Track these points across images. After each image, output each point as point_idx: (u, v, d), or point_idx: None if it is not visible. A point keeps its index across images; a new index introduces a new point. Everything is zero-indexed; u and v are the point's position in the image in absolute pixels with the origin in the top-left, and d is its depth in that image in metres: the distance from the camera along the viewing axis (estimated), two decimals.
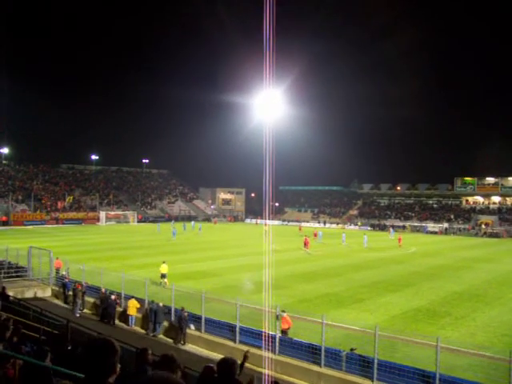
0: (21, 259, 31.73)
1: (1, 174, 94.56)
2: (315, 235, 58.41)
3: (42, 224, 79.78)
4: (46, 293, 28.37)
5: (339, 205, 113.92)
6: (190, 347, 19.72)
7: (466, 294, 28.35)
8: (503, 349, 17.14)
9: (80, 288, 24.72)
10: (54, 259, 29.76)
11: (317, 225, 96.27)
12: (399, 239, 56.99)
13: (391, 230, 75.31)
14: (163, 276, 29.02)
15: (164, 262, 29.74)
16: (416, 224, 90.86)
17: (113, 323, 22.65)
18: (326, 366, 15.93)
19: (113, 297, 23.07)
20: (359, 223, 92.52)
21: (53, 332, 14.33)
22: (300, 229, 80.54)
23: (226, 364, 5.15)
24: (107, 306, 22.98)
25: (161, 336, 21.14)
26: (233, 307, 19.35)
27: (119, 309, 23.35)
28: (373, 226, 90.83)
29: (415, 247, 55.20)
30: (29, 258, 30.39)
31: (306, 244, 49.34)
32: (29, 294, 27.29)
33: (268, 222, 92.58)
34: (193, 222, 79.74)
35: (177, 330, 20.36)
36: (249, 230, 79.68)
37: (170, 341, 20.49)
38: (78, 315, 23.65)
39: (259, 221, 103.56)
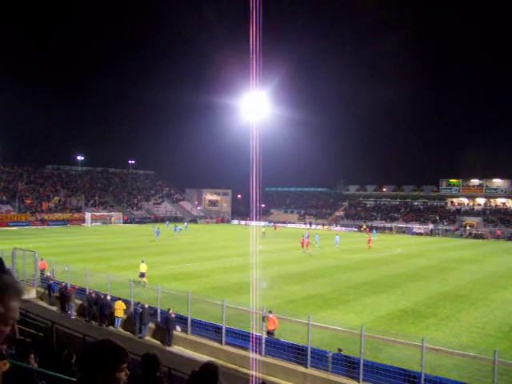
0: (5, 260, 31.09)
1: None
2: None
3: (27, 225, 78.90)
4: (30, 294, 28.08)
5: (325, 206, 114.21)
6: (176, 349, 19.64)
7: (450, 294, 28.59)
8: (487, 349, 17.34)
9: (72, 291, 24.53)
10: (38, 260, 29.49)
11: (303, 226, 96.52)
12: (369, 240, 55.72)
13: (374, 231, 75.68)
14: (142, 275, 29.21)
15: (143, 261, 29.89)
16: (401, 225, 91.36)
17: (108, 324, 22.43)
18: (312, 367, 15.97)
19: (108, 297, 22.89)
20: (364, 226, 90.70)
21: (38, 334, 14.21)
22: (275, 228, 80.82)
23: (208, 369, 5.03)
24: (101, 307, 22.75)
25: (147, 338, 21.04)
26: (219, 308, 19.32)
27: None
28: (360, 228, 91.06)
29: (400, 248, 55.53)
30: (13, 260, 30.04)
31: (303, 245, 50.19)
32: None
33: (253, 223, 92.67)
34: (185, 223, 79.74)
35: (163, 331, 20.29)
36: (236, 232, 79.58)
37: (157, 342, 20.40)
38: (73, 317, 23.56)
39: (244, 222, 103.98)
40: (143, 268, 29.32)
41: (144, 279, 28.90)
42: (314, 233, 65.10)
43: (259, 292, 26.44)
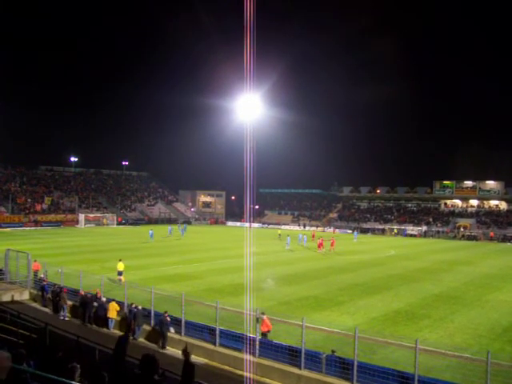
0: None
1: None
2: (313, 236, 57.94)
3: (20, 226, 78.65)
4: (23, 296, 27.95)
5: (319, 208, 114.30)
6: (170, 350, 19.57)
7: (444, 296, 28.67)
8: (480, 350, 17.39)
9: (65, 291, 24.41)
10: (31, 262, 29.34)
11: (297, 227, 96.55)
12: (332, 242, 52.66)
13: (354, 233, 75.77)
14: (119, 273, 29.62)
15: (120, 260, 30.36)
16: (395, 227, 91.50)
17: (102, 325, 22.31)
18: (305, 369, 15.95)
19: (103, 299, 22.80)
20: (395, 230, 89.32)
21: (31, 336, 14.15)
22: (250, 227, 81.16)
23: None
24: (96, 309, 22.60)
25: (141, 339, 20.96)
26: (213, 310, 19.28)
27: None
28: (357, 230, 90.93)
29: (394, 250, 55.66)
30: (6, 261, 29.91)
31: (319, 246, 50.52)
32: (6, 298, 26.87)
33: (246, 224, 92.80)
34: (184, 225, 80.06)
35: (157, 333, 20.22)
36: (231, 233, 79.52)
37: (150, 344, 20.31)
38: (61, 318, 23.41)
39: (239, 223, 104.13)
40: (121, 266, 29.89)
41: (121, 277, 29.25)
42: (318, 235, 65.24)
43: (253, 293, 26.43)
